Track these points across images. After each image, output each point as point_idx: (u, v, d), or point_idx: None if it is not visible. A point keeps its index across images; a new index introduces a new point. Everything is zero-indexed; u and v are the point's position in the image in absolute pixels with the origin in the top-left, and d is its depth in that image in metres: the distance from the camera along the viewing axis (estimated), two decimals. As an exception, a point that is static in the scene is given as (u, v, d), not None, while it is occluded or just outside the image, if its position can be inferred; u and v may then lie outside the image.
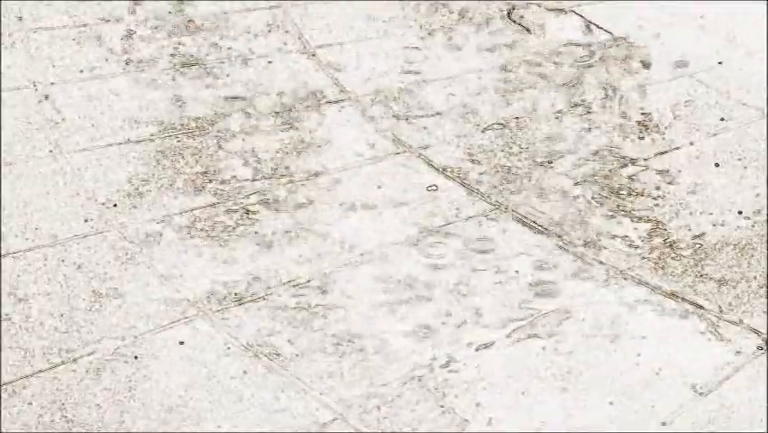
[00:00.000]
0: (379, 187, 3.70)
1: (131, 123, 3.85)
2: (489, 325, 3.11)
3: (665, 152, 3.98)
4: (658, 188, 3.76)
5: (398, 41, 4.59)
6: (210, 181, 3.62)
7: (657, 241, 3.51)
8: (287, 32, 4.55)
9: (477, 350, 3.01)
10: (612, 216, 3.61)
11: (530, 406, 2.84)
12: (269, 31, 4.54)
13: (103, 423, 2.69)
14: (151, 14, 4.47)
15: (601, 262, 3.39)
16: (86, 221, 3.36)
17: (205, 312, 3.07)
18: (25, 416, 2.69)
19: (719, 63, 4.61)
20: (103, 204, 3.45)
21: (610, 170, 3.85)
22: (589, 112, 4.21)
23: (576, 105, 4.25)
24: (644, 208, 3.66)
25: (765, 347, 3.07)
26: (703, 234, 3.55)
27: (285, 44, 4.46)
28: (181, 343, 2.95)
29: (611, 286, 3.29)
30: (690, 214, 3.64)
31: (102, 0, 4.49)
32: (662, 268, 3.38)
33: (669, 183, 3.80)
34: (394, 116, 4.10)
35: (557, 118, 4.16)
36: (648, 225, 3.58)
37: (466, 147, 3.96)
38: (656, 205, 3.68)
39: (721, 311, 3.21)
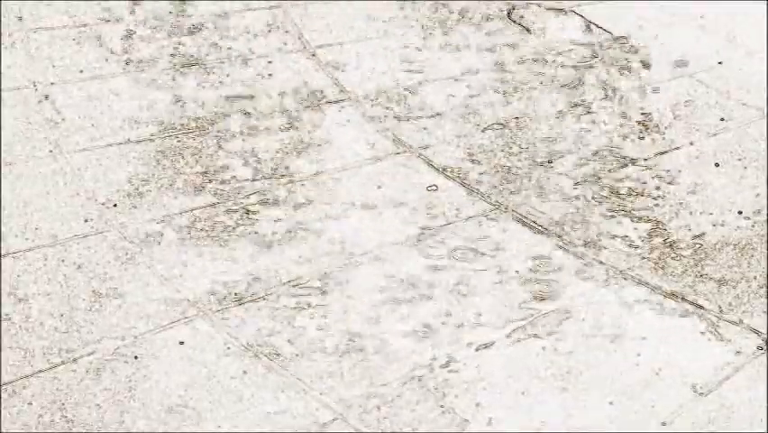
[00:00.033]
0: (379, 187, 3.70)
1: (131, 123, 3.85)
2: (489, 325, 3.11)
3: (665, 151, 3.98)
4: (658, 189, 3.76)
5: (398, 41, 4.59)
6: (210, 181, 3.62)
7: (657, 241, 3.51)
8: (287, 32, 4.55)
9: (477, 350, 3.01)
10: (612, 216, 3.61)
11: (530, 406, 2.84)
12: (269, 31, 4.54)
13: (103, 423, 2.69)
14: (151, 14, 4.47)
15: (601, 262, 3.39)
16: (86, 221, 3.36)
17: (205, 312, 3.07)
18: (25, 416, 2.69)
19: (719, 63, 4.61)
20: (103, 204, 3.45)
21: (610, 170, 3.85)
22: (589, 112, 4.21)
23: (576, 105, 4.25)
24: (644, 208, 3.66)
25: (765, 347, 3.07)
26: (703, 234, 3.55)
27: (285, 44, 4.46)
28: (181, 343, 2.95)
29: (611, 286, 3.29)
30: (690, 214, 3.64)
31: (102, 0, 4.49)
32: (662, 268, 3.38)
33: (669, 183, 3.80)
34: (394, 116, 4.10)
35: (557, 118, 4.16)
36: (648, 225, 3.58)
37: (466, 147, 3.96)
38: (656, 205, 3.68)
39: (721, 311, 3.21)
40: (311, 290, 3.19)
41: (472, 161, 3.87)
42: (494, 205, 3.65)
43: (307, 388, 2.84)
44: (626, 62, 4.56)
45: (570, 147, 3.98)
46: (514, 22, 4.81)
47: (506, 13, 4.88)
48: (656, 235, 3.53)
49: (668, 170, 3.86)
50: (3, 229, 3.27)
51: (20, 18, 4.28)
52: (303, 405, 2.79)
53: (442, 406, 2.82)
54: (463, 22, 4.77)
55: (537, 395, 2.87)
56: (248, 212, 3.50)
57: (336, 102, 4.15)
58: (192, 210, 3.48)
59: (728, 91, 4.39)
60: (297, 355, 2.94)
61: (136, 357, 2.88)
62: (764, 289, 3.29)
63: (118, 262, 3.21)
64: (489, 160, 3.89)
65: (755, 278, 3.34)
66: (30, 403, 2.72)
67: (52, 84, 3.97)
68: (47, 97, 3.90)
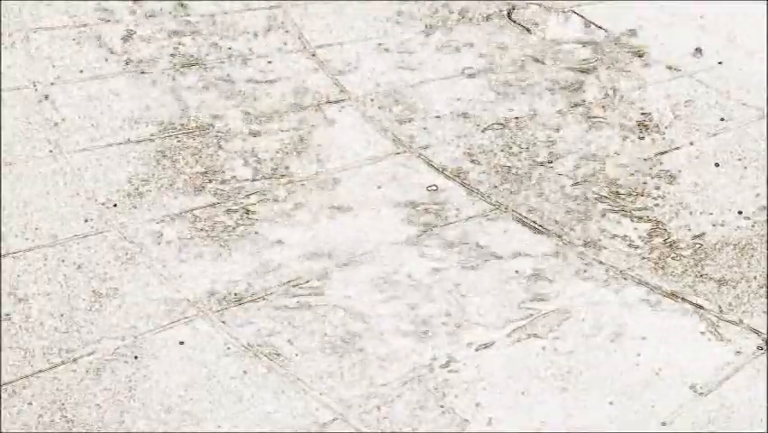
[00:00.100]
0: (379, 187, 3.70)
1: (131, 123, 3.85)
2: (489, 325, 3.11)
3: (665, 151, 3.98)
4: (658, 188, 3.76)
5: (398, 41, 4.59)
6: (210, 181, 3.62)
7: (657, 241, 3.51)
8: (287, 32, 4.55)
9: (477, 350, 3.01)
10: (612, 216, 3.61)
11: (530, 406, 2.84)
12: (269, 31, 4.54)
13: (103, 423, 2.69)
14: (151, 14, 4.47)
15: (601, 262, 3.39)
16: (86, 221, 3.36)
17: (205, 312, 3.07)
18: (25, 416, 2.69)
19: (719, 63, 4.61)
20: (103, 204, 3.45)
21: (610, 170, 3.85)
22: (589, 112, 4.21)
23: (576, 105, 4.25)
24: (644, 208, 3.66)
25: (765, 347, 3.07)
26: (703, 234, 3.55)
27: (285, 44, 4.46)
28: (181, 343, 2.95)
29: (611, 286, 3.29)
30: (690, 214, 3.64)
31: (102, 0, 4.49)
32: (662, 268, 3.38)
33: (669, 183, 3.80)
34: (394, 116, 4.10)
35: (557, 118, 4.16)
36: (648, 225, 3.58)
37: (466, 147, 3.96)
38: (656, 205, 3.68)
39: (721, 311, 3.21)
40: (311, 290, 3.19)
41: (472, 161, 3.87)
42: (494, 205, 3.65)
43: (307, 388, 2.84)
44: (626, 62, 4.56)
45: (570, 147, 3.98)
46: (514, 22, 4.81)
47: (506, 13, 4.88)
48: (656, 235, 3.53)
49: (668, 170, 3.86)
50: (3, 229, 3.27)
51: (20, 18, 4.28)
52: (303, 405, 2.79)
53: (442, 406, 2.82)
54: (463, 22, 4.77)
55: (537, 395, 2.87)
56: (248, 212, 3.50)
57: (336, 102, 4.15)
58: (192, 210, 3.48)
59: (728, 91, 4.39)
60: (296, 355, 2.94)
61: (136, 357, 2.88)
62: (764, 289, 3.29)
63: (118, 262, 3.21)
64: (489, 160, 3.89)
65: (755, 278, 3.34)
66: (30, 403, 2.72)
67: (52, 84, 3.97)
68: (47, 97, 3.90)
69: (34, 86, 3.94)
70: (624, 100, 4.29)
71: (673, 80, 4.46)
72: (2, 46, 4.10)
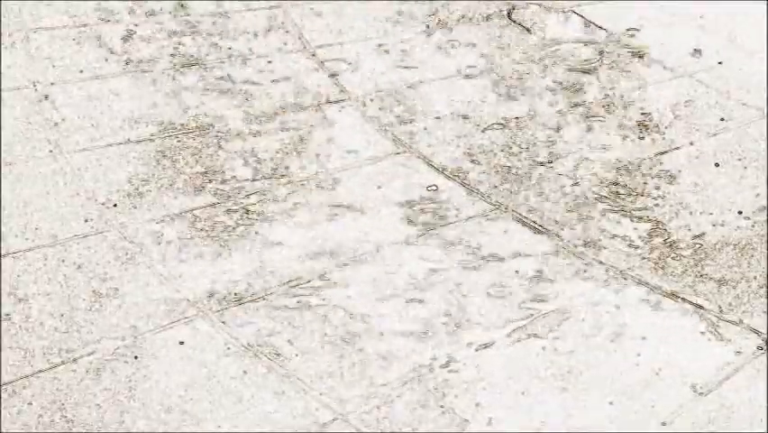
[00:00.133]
0: (379, 187, 3.70)
1: (131, 123, 3.85)
2: (489, 325, 3.11)
3: (665, 151, 3.98)
4: (658, 188, 3.76)
5: (398, 41, 4.58)
6: (210, 181, 3.62)
7: (657, 241, 3.51)
8: (287, 32, 4.55)
9: (477, 350, 3.01)
10: (612, 216, 3.61)
11: (530, 406, 2.84)
12: (269, 31, 4.54)
13: (103, 423, 2.69)
14: (151, 14, 4.47)
15: (601, 262, 3.39)
16: (86, 221, 3.36)
17: (205, 312, 3.07)
18: (25, 416, 2.69)
19: (719, 63, 4.61)
20: (103, 204, 3.45)
21: (610, 170, 3.85)
22: (589, 112, 4.21)
23: (576, 105, 4.25)
24: (644, 208, 3.66)
25: (765, 347, 3.07)
26: (703, 234, 3.55)
27: (285, 44, 4.46)
28: (181, 343, 2.95)
29: (611, 286, 3.29)
30: (690, 214, 3.64)
31: (102, 0, 4.49)
32: (662, 268, 3.38)
33: (669, 183, 3.80)
34: (394, 116, 4.10)
35: (557, 118, 4.16)
36: (648, 225, 3.58)
37: (466, 147, 3.96)
38: (656, 205, 3.68)
39: (721, 311, 3.21)
40: (311, 290, 3.18)
41: (472, 161, 3.87)
42: (494, 205, 3.65)
43: (307, 388, 2.84)
44: (626, 62, 4.56)
45: (570, 147, 3.98)
46: (514, 22, 4.81)
47: (506, 13, 4.88)
48: (656, 235, 3.53)
49: (668, 170, 3.86)
50: (3, 229, 3.27)
51: (20, 18, 4.28)
52: (303, 405, 2.79)
53: (442, 406, 2.82)
54: (463, 22, 4.77)
55: (537, 395, 2.87)
56: (248, 212, 3.50)
57: (336, 102, 4.15)
58: (192, 210, 3.48)
59: (728, 91, 4.39)
60: (296, 355, 2.94)
61: (136, 357, 2.88)
62: (764, 289, 3.29)
63: (118, 262, 3.21)
64: (489, 160, 3.89)
65: (755, 278, 3.34)
66: (30, 403, 2.72)
67: (52, 84, 3.97)
68: (47, 97, 3.90)
69: (34, 86, 3.94)
70: (624, 100, 4.29)
71: (673, 80, 4.46)
72: (2, 46, 4.10)
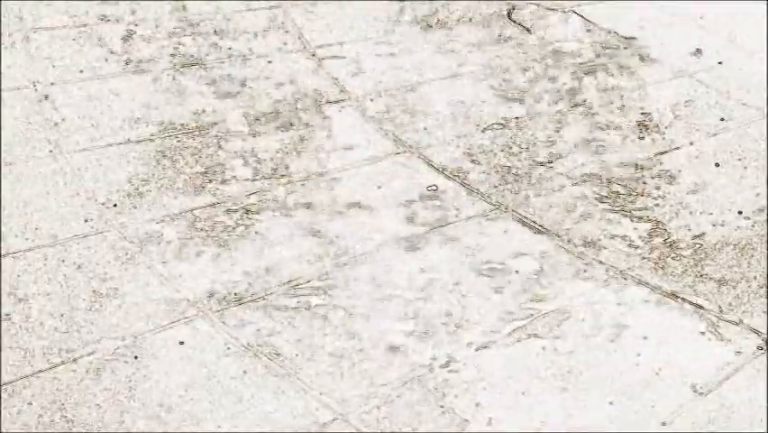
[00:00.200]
0: (379, 187, 3.70)
1: (131, 123, 3.85)
2: (489, 325, 3.11)
3: (665, 151, 3.98)
4: (658, 188, 3.76)
5: (398, 41, 4.59)
6: (210, 181, 3.62)
7: (657, 241, 3.51)
8: (287, 32, 4.55)
9: (477, 350, 3.01)
10: (612, 216, 3.61)
11: (530, 406, 2.84)
12: (269, 31, 4.54)
13: (103, 423, 2.69)
14: (151, 14, 4.47)
15: (601, 262, 3.39)
16: (86, 221, 3.36)
17: (205, 312, 3.07)
18: (25, 416, 2.69)
19: (719, 63, 4.61)
20: (103, 204, 3.45)
21: (610, 170, 3.85)
22: (589, 112, 4.21)
23: (576, 105, 4.25)
24: (644, 208, 3.66)
25: (765, 347, 3.07)
26: (703, 234, 3.55)
27: (285, 44, 4.46)
28: (181, 343, 2.95)
29: (611, 286, 3.29)
30: (690, 214, 3.64)
31: (102, 0, 4.49)
32: (662, 268, 3.38)
33: (669, 183, 3.80)
34: (394, 116, 4.10)
35: (557, 118, 4.16)
36: (648, 225, 3.58)
37: (466, 147, 3.96)
38: (656, 205, 3.68)
39: (721, 311, 3.21)
40: (311, 290, 3.19)
41: (472, 161, 3.87)
42: (494, 205, 3.65)
43: (307, 388, 2.84)
44: (626, 62, 4.56)
45: (570, 147, 3.98)
46: (514, 22, 4.81)
47: (506, 13, 4.88)
48: (656, 235, 3.53)
49: (668, 170, 3.86)
50: (3, 229, 3.27)
51: (20, 18, 4.28)
52: (303, 405, 2.79)
53: (442, 406, 2.82)
54: (463, 22, 4.77)
55: (537, 395, 2.87)
56: (248, 212, 3.50)
57: (336, 102, 4.15)
58: (192, 210, 3.48)
59: (728, 91, 4.39)
60: (296, 355, 2.94)
61: (136, 357, 2.88)
62: (764, 289, 3.29)
63: (118, 262, 3.21)
64: (489, 160, 3.89)
65: (755, 278, 3.34)
66: (30, 403, 2.72)
67: (52, 84, 3.97)
68: (47, 97, 3.90)
69: (34, 86, 3.94)
70: (624, 100, 4.29)
71: (673, 80, 4.46)
72: (2, 46, 4.10)
